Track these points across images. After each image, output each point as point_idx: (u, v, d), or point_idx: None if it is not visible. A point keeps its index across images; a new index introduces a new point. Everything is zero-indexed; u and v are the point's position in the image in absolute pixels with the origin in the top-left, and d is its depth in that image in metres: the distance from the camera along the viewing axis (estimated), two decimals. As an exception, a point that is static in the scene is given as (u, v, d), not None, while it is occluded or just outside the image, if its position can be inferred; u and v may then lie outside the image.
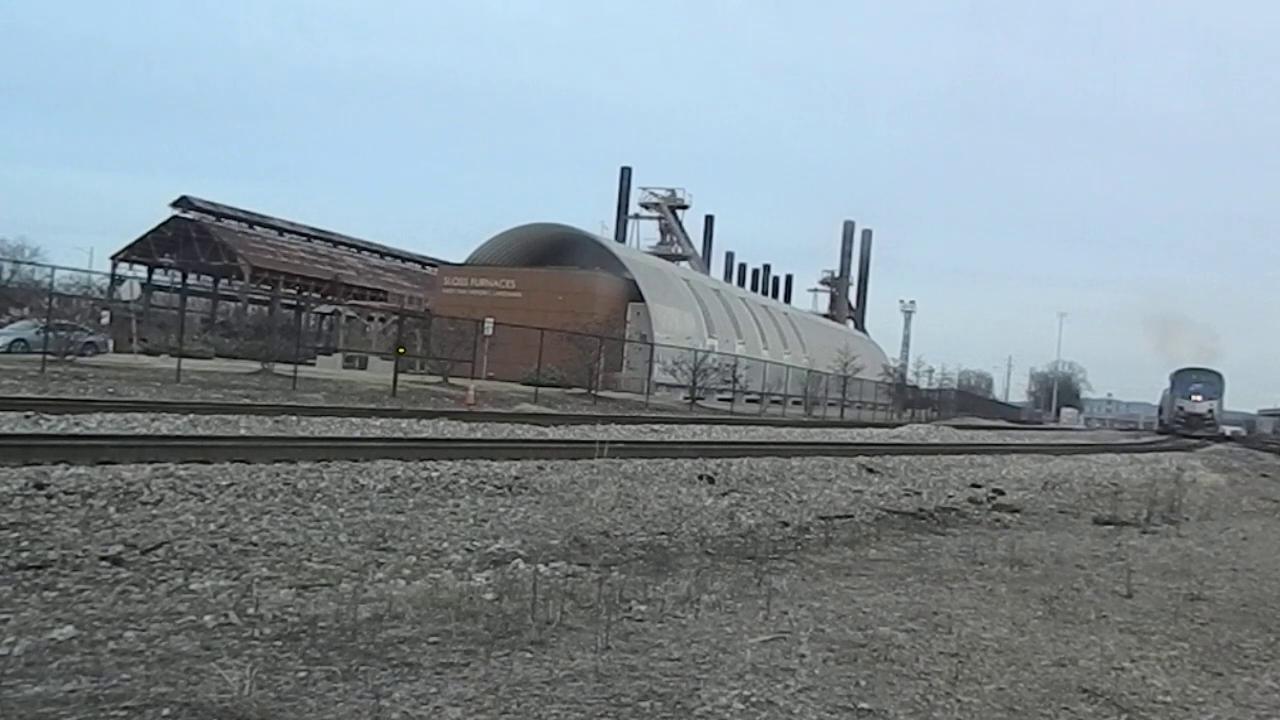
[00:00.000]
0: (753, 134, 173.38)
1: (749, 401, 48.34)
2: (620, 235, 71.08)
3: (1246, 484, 16.54)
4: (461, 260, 54.56)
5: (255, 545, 5.28)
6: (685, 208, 76.23)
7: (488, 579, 4.79)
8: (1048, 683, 3.71)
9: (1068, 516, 9.79)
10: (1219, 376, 63.01)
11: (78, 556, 4.70)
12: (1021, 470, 15.74)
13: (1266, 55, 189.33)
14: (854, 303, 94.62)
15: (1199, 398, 60.01)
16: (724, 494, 9.24)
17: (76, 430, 11.31)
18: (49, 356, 24.90)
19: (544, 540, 6.08)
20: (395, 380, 27.52)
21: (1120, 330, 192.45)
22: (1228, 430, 64.35)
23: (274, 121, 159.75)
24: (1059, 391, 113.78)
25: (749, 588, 5.01)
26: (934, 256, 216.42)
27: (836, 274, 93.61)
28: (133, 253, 57.32)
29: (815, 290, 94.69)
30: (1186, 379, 62.27)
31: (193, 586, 4.31)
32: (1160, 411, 68.23)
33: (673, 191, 75.43)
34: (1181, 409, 60.13)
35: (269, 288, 56.93)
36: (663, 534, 6.67)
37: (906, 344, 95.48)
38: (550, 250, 52.94)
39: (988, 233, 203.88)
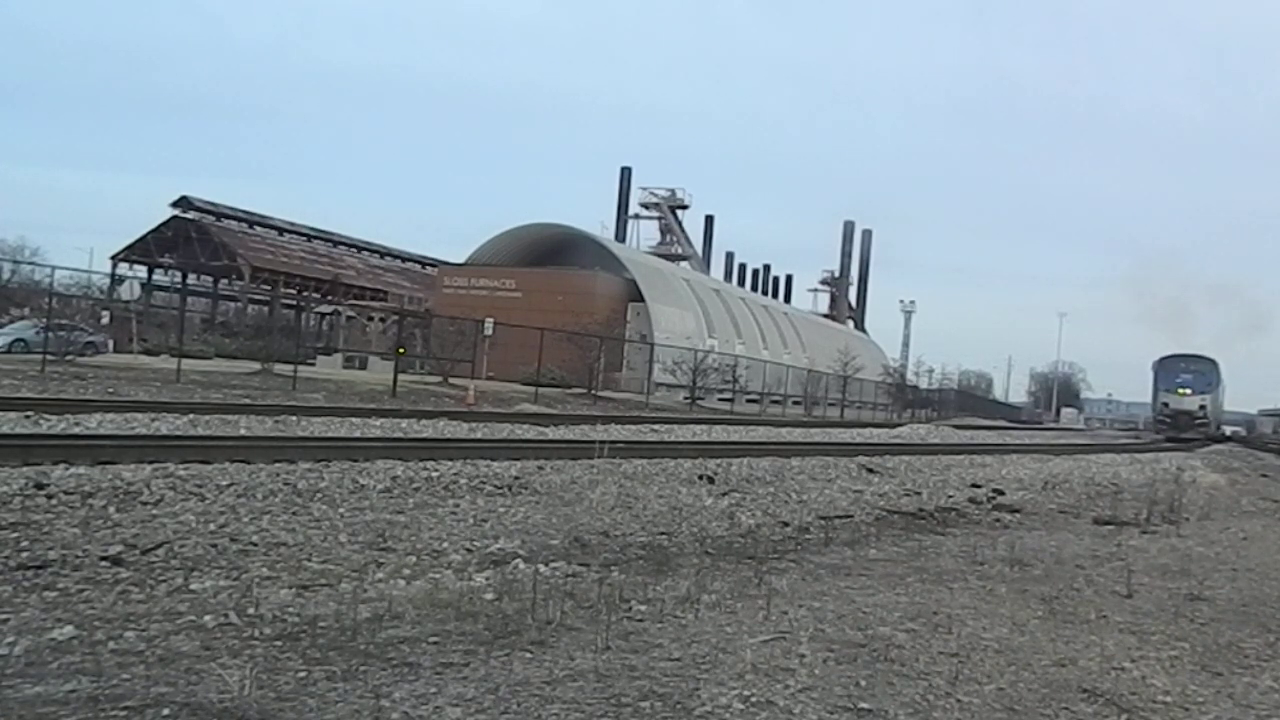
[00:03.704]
0: (753, 134, 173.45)
1: (749, 401, 48.34)
2: (620, 235, 71.09)
3: (1246, 484, 16.54)
4: (461, 260, 54.58)
5: (255, 545, 5.28)
6: (685, 208, 76.25)
7: (488, 579, 4.78)
8: (1048, 683, 3.71)
9: (1068, 516, 9.79)
10: (1213, 365, 50.49)
11: (78, 556, 4.70)
12: (1021, 470, 15.74)
13: (1267, 55, 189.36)
14: (854, 303, 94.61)
15: (1187, 391, 48.26)
16: (724, 494, 9.25)
17: (76, 430, 11.31)
18: (49, 356, 24.90)
19: (544, 540, 6.08)
20: (395, 380, 27.52)
21: (1120, 330, 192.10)
22: (1227, 430, 58.82)
23: (274, 121, 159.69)
24: (1059, 391, 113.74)
25: (749, 588, 5.01)
26: (934, 256, 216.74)
27: (836, 274, 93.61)
28: (133, 253, 57.29)
29: (815, 290, 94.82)
30: (1172, 369, 49.79)
31: (193, 586, 4.31)
32: None
33: (673, 191, 75.43)
34: (1166, 405, 48.63)
35: (269, 288, 56.91)
36: (663, 534, 6.67)
37: (906, 344, 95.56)
38: (550, 250, 52.94)
39: (988, 233, 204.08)
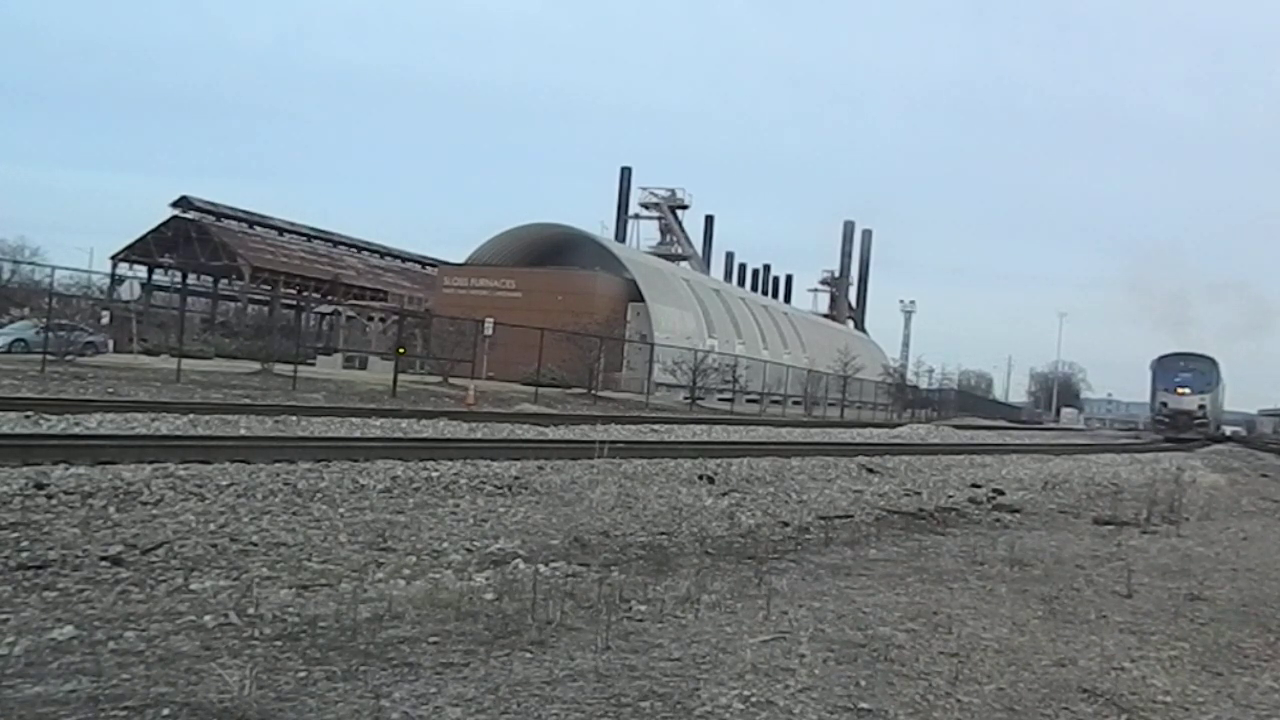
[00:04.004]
0: (753, 134, 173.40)
1: (749, 401, 48.34)
2: (620, 235, 71.08)
3: (1246, 484, 16.54)
4: (461, 260, 54.58)
5: (255, 545, 5.28)
6: (685, 208, 76.22)
7: (488, 579, 4.79)
8: (1048, 683, 3.71)
9: (1068, 516, 9.79)
10: (1212, 363, 49.55)
11: (78, 556, 4.70)
12: (1021, 470, 15.74)
13: (1267, 55, 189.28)
14: (854, 303, 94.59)
15: (1186, 390, 46.98)
16: (724, 494, 9.24)
17: (76, 430, 11.31)
18: (49, 356, 24.90)
19: (544, 540, 6.08)
20: (395, 380, 27.52)
21: (1120, 330, 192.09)
22: (1227, 430, 58.19)
23: (274, 121, 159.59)
24: (1059, 391, 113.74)
25: (749, 588, 5.01)
26: (934, 256, 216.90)
27: (836, 274, 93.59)
28: (133, 253, 57.28)
29: (815, 290, 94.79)
30: (1170, 367, 48.60)
31: (193, 586, 4.31)
32: None
33: (673, 191, 75.41)
34: (1164, 405, 47.39)
35: (269, 288, 56.91)
36: (663, 534, 6.67)
37: (906, 344, 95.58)
38: (550, 250, 52.94)
39: (988, 233, 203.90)
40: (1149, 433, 51.54)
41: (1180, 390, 47.13)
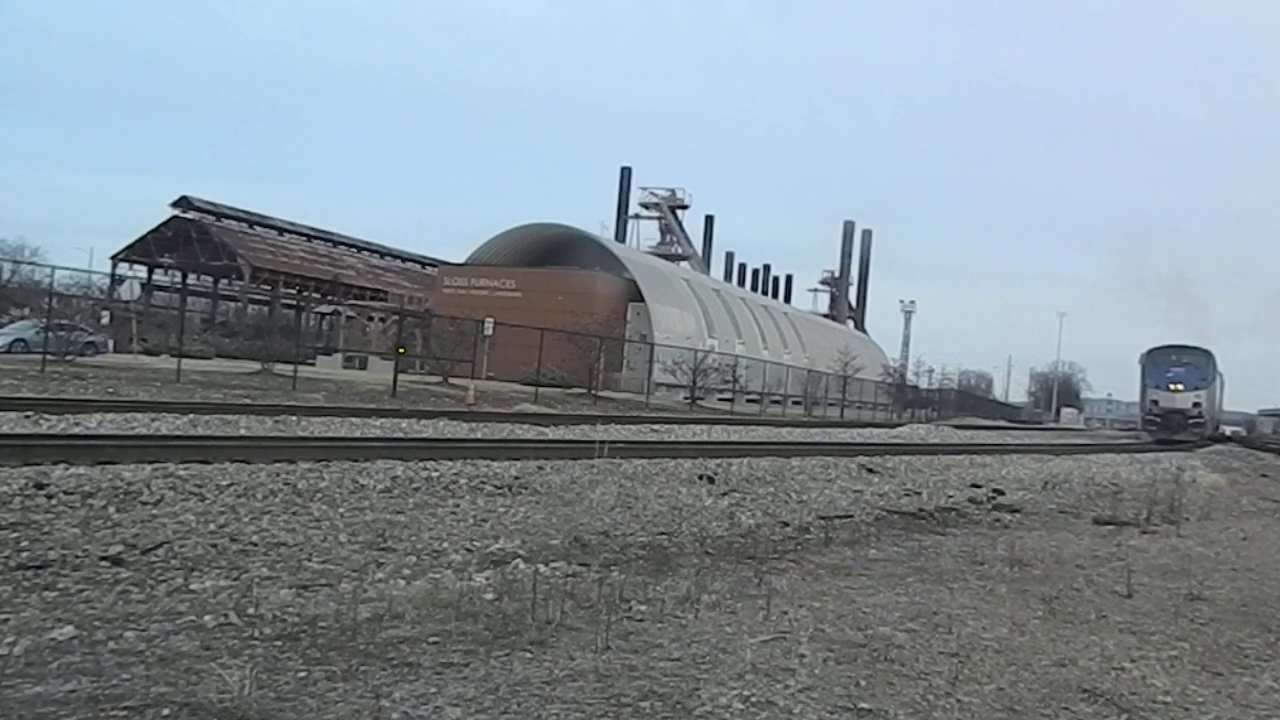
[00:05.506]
0: (753, 134, 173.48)
1: (749, 401, 48.34)
2: (620, 235, 71.06)
3: (1246, 484, 16.54)
4: (461, 260, 54.60)
5: (255, 545, 5.28)
6: (685, 208, 76.21)
7: (488, 579, 4.78)
8: (1048, 683, 3.71)
9: (1068, 516, 9.79)
10: (1208, 356, 44.38)
11: (78, 556, 4.70)
12: (1021, 470, 15.74)
13: (1267, 55, 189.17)
14: (854, 303, 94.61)
15: (1179, 387, 42.14)
16: (724, 494, 9.25)
17: (76, 430, 11.31)
18: (49, 356, 24.91)
19: (544, 540, 6.08)
20: (395, 380, 27.52)
21: (1121, 329, 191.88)
22: (1227, 430, 56.16)
23: (274, 121, 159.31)
24: (1059, 391, 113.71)
25: (749, 588, 5.01)
26: (934, 256, 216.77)
27: (836, 274, 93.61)
28: (133, 253, 57.33)
29: (815, 290, 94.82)
30: (1161, 361, 43.46)
31: (193, 586, 4.31)
32: None
33: (673, 191, 75.39)
34: (1155, 403, 42.55)
35: (269, 288, 56.95)
36: (663, 534, 6.67)
37: (906, 344, 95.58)
38: (550, 250, 52.95)
39: (988, 233, 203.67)
40: (1144, 433, 47.33)
41: (1173, 386, 42.46)
